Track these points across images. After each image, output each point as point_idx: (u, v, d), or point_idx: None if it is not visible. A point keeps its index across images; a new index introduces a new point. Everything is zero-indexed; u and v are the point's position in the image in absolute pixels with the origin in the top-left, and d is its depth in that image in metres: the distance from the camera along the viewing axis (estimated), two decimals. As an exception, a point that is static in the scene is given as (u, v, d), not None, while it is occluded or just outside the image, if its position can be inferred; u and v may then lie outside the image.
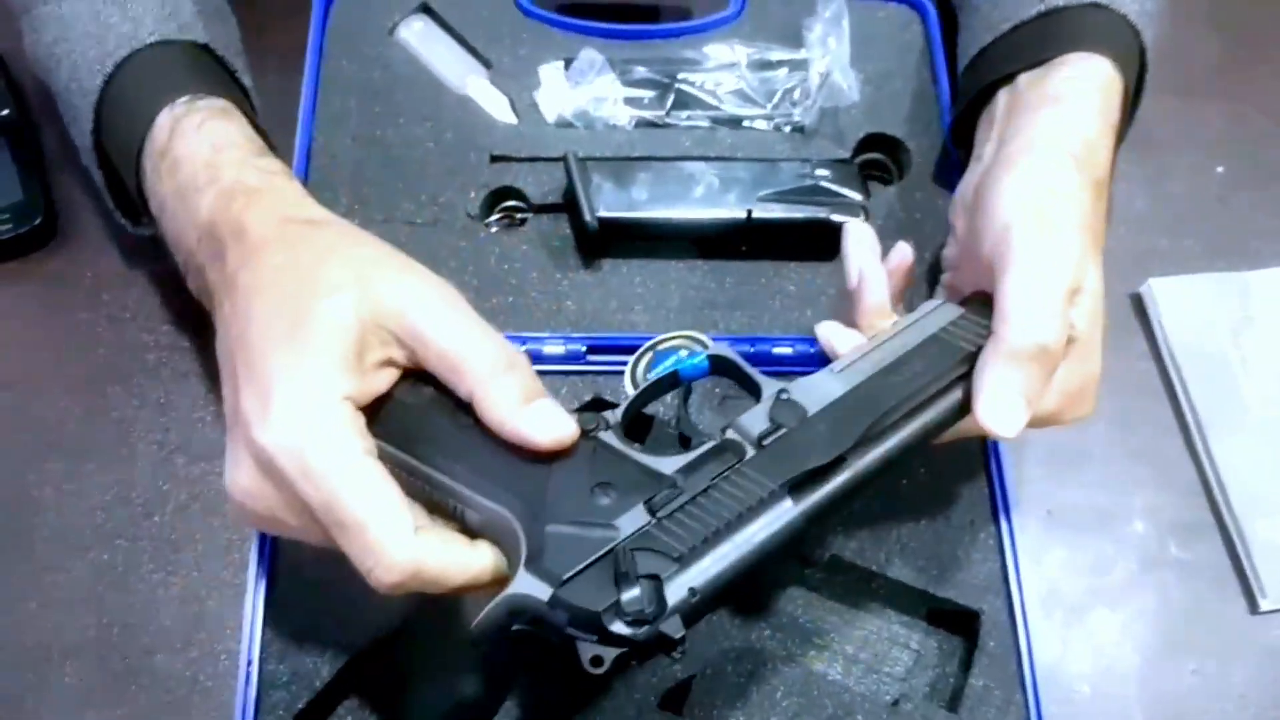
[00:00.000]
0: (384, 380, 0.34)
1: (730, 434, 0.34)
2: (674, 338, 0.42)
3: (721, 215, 0.48)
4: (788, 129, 0.52)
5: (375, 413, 0.34)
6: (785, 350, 0.47)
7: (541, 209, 0.50)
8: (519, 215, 0.51)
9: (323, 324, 0.33)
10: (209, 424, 0.47)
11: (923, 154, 0.52)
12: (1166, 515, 0.48)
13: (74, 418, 0.47)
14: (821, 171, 0.49)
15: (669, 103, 0.52)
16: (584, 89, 0.51)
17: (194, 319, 0.48)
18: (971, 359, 0.36)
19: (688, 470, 0.33)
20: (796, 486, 0.33)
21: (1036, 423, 0.38)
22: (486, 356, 0.33)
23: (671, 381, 0.38)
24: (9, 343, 0.49)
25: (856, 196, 0.48)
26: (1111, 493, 0.48)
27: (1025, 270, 0.36)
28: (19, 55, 0.48)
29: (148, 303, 0.50)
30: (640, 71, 0.52)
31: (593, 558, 0.31)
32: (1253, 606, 0.46)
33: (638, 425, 0.44)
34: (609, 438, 0.34)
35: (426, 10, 0.54)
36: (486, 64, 0.53)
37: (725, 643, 0.42)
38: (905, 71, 0.54)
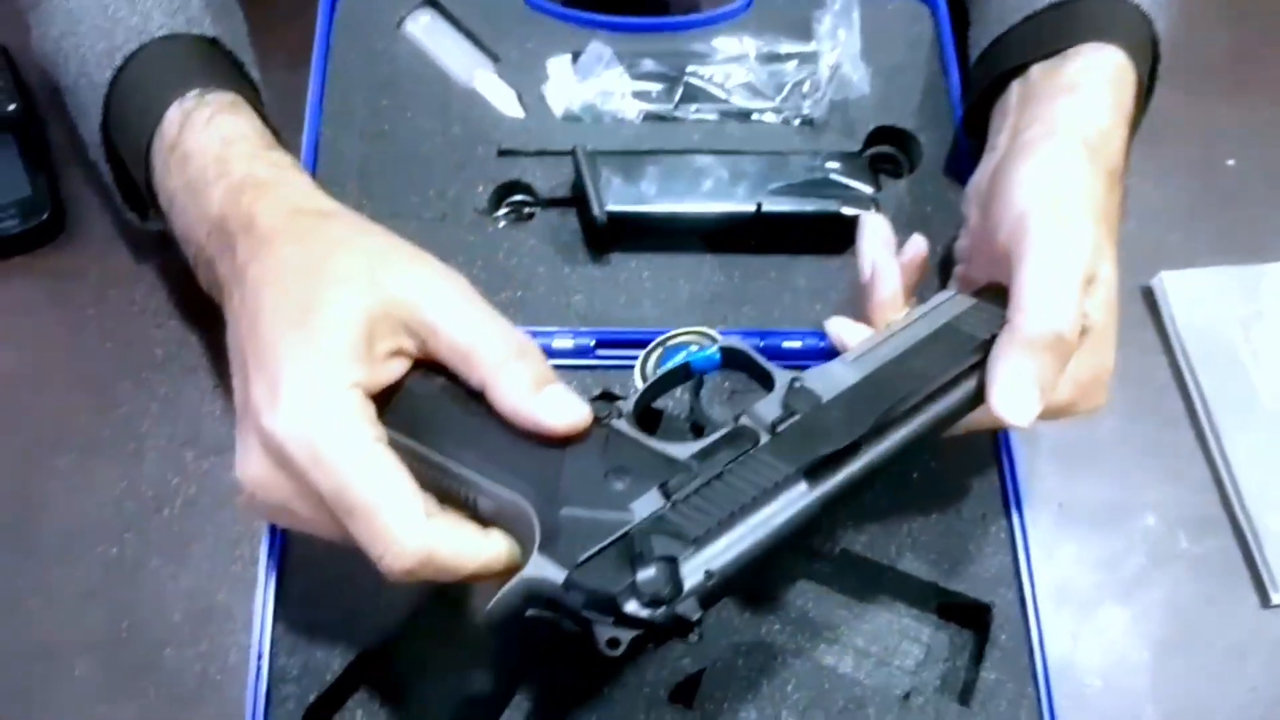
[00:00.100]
0: (394, 370, 0.34)
1: (744, 420, 0.34)
2: (683, 333, 0.42)
3: (731, 209, 0.48)
4: (797, 122, 0.51)
5: (386, 403, 0.34)
6: (795, 344, 0.47)
7: (550, 203, 0.50)
8: (527, 209, 0.51)
9: (332, 312, 0.33)
10: (218, 418, 0.47)
11: (933, 147, 0.52)
12: (1178, 509, 0.48)
13: (82, 412, 0.47)
14: (831, 164, 0.49)
15: (677, 96, 0.51)
16: (592, 82, 0.51)
17: (202, 314, 0.48)
18: (985, 347, 0.36)
19: (702, 456, 0.33)
20: (812, 471, 0.33)
21: (1050, 414, 0.38)
22: (497, 344, 0.34)
23: (683, 374, 0.38)
24: (17, 338, 0.49)
25: (867, 189, 0.48)
26: (1123, 487, 0.48)
27: (1042, 257, 0.36)
28: (26, 50, 0.48)
29: (155, 297, 0.50)
30: (648, 65, 0.52)
31: (608, 540, 0.31)
32: (1264, 600, 0.46)
33: (647, 419, 0.44)
34: (622, 425, 0.34)
35: (433, 4, 0.54)
36: (494, 58, 0.53)
37: (735, 636, 0.42)
38: (915, 64, 0.53)
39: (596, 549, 0.30)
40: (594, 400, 0.46)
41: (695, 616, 0.29)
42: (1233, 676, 0.44)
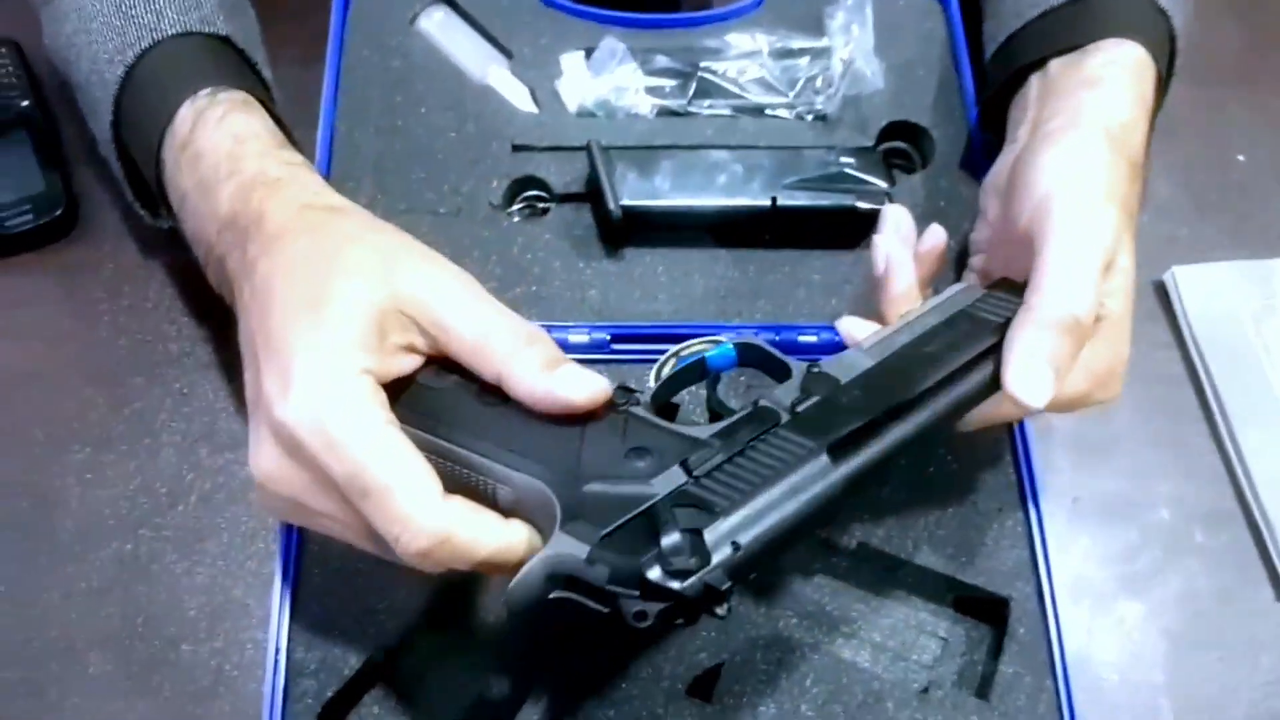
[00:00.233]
0: (404, 364, 0.34)
1: (763, 402, 0.34)
2: (698, 343, 0.42)
3: (746, 203, 0.48)
4: (810, 117, 0.52)
5: (400, 398, 0.34)
6: (810, 339, 0.47)
7: (564, 198, 0.50)
8: (541, 205, 0.51)
9: (344, 302, 0.33)
10: (232, 413, 0.47)
11: (946, 142, 0.52)
12: (1192, 503, 0.48)
13: (96, 408, 0.47)
14: (846, 159, 0.49)
15: (691, 91, 0.51)
16: (605, 78, 0.51)
17: (215, 309, 0.47)
18: (1001, 331, 0.36)
19: (723, 435, 0.33)
20: (835, 449, 0.32)
21: (1065, 405, 0.38)
22: (508, 336, 0.34)
23: (699, 371, 0.38)
24: (31, 333, 0.49)
25: (881, 184, 0.48)
26: (1137, 481, 0.48)
27: (1064, 240, 0.36)
28: (38, 46, 0.48)
29: (169, 293, 0.50)
30: (662, 60, 0.52)
31: (630, 514, 0.30)
32: (1279, 593, 0.46)
33: (664, 415, 0.44)
34: (640, 411, 0.34)
35: (446, 0, 0.54)
36: (507, 54, 0.53)
37: (753, 631, 0.42)
38: (927, 60, 0.54)
39: (619, 523, 0.30)
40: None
41: (724, 586, 0.28)
42: (1248, 669, 0.44)
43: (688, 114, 0.51)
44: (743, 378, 0.46)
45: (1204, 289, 0.52)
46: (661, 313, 0.48)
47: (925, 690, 0.42)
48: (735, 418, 0.34)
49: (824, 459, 0.32)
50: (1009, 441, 0.46)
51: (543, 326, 0.46)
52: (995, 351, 0.36)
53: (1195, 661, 0.45)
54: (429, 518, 0.31)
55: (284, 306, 0.33)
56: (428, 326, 0.34)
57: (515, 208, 0.51)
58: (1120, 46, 0.42)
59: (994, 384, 0.36)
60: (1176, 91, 0.46)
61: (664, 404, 0.38)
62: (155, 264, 0.50)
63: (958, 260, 0.48)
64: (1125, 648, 0.45)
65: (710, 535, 0.29)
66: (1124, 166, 0.38)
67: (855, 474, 0.32)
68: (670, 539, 0.29)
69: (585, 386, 0.33)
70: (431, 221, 0.49)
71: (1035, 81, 0.44)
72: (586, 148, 0.48)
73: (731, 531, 0.30)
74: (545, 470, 0.32)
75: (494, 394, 0.34)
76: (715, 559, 0.29)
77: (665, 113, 0.51)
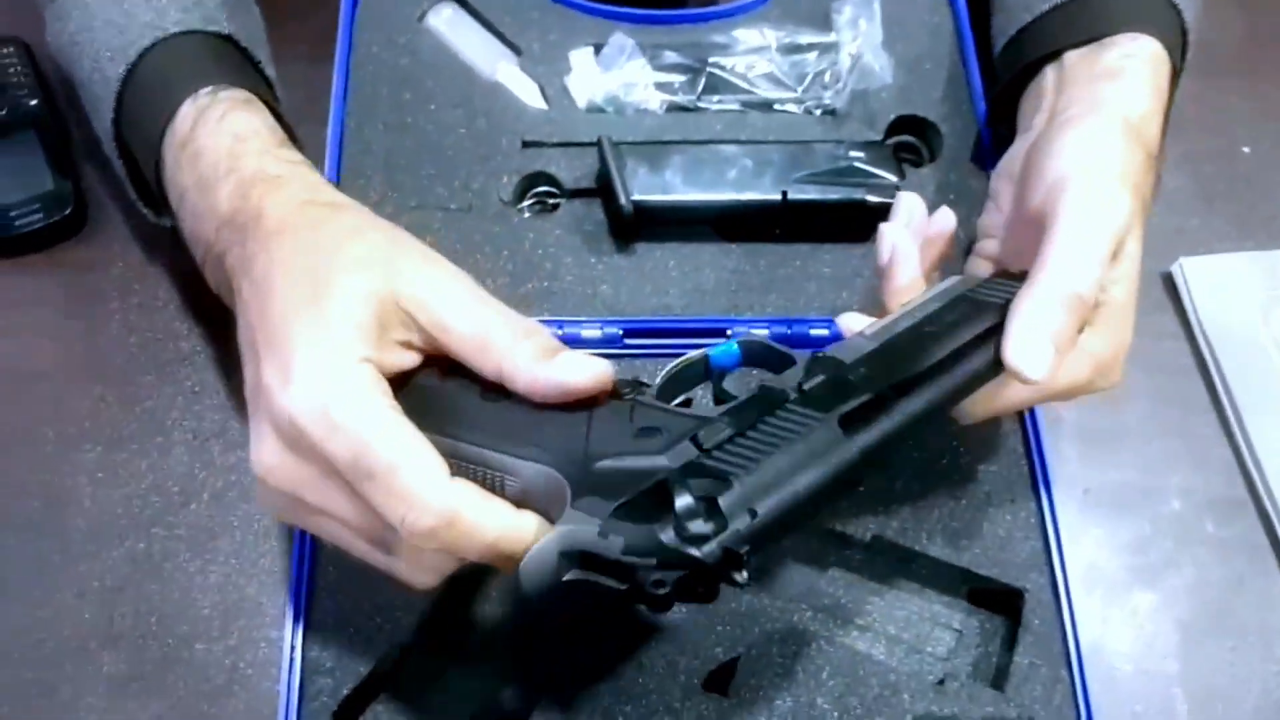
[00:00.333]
0: (404, 360, 0.34)
1: (769, 383, 0.33)
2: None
3: (756, 197, 0.48)
4: (819, 112, 0.52)
5: (400, 398, 0.33)
6: (822, 332, 0.47)
7: (574, 194, 0.50)
8: (551, 200, 0.51)
9: (344, 294, 0.33)
10: (243, 411, 0.46)
11: (954, 136, 0.52)
12: (1202, 493, 0.48)
13: (107, 407, 0.47)
14: (855, 153, 0.49)
15: (700, 87, 0.52)
16: (615, 74, 0.51)
17: (225, 307, 0.47)
18: (1002, 312, 0.36)
19: (731, 414, 0.32)
20: (845, 421, 0.32)
21: (1066, 392, 0.38)
22: (506, 330, 0.33)
23: (703, 370, 0.37)
24: (41, 332, 0.49)
25: (891, 177, 0.49)
26: (1147, 471, 0.48)
27: (1075, 219, 0.36)
28: (46, 46, 0.48)
29: (179, 291, 0.49)
30: (670, 56, 0.52)
31: (643, 487, 0.29)
32: (1291, 582, 0.46)
33: None
34: (646, 398, 0.34)
35: (455, -3, 0.54)
36: (516, 50, 0.53)
37: (768, 624, 0.42)
38: (935, 54, 0.54)
39: (632, 495, 0.29)
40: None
41: (743, 549, 0.28)
42: (1261, 658, 0.45)
43: (697, 109, 0.52)
44: (752, 373, 0.46)
45: (1211, 280, 0.52)
46: (673, 307, 0.48)
47: (941, 682, 0.42)
48: (742, 399, 0.33)
49: (836, 429, 0.31)
50: (1020, 434, 0.46)
51: (555, 322, 0.47)
52: (997, 331, 0.35)
53: (1208, 651, 0.45)
54: (436, 495, 0.30)
55: (283, 300, 0.33)
56: (427, 325, 0.33)
57: (526, 204, 0.51)
58: (1136, 40, 0.42)
59: (997, 363, 0.35)
60: (1181, 84, 0.46)
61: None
62: (165, 262, 0.50)
63: (965, 252, 0.48)
64: (1138, 638, 0.45)
65: (725, 502, 0.29)
66: (1141, 155, 0.39)
67: (868, 446, 0.32)
68: (685, 503, 0.28)
69: (586, 369, 0.33)
70: (442, 218, 0.49)
71: (1050, 72, 0.44)
72: (597, 143, 0.49)
73: (747, 498, 0.29)
74: (552, 456, 0.32)
75: (496, 391, 0.34)
76: (732, 525, 0.28)
77: (675, 108, 0.52)
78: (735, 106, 0.52)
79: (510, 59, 0.53)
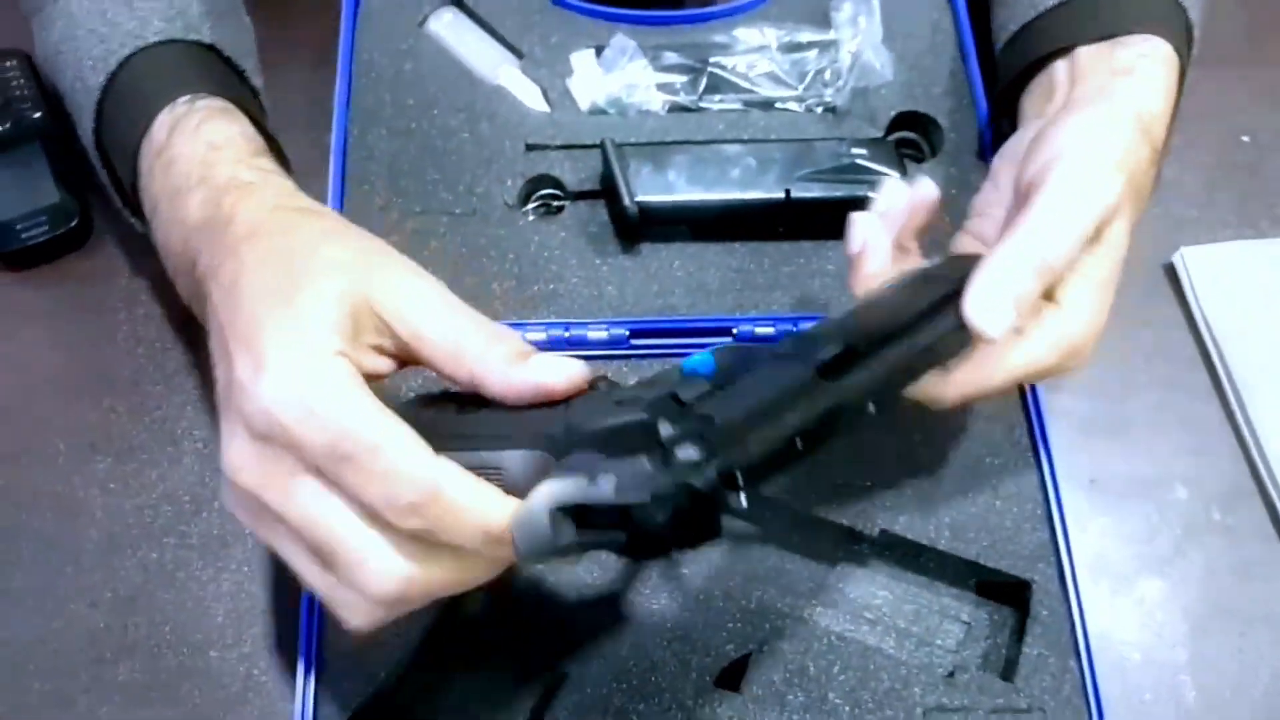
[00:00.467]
0: (376, 364, 0.33)
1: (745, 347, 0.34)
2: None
3: (759, 196, 0.48)
4: (820, 110, 0.52)
5: None
6: (827, 329, 0.47)
7: (579, 196, 0.50)
8: (556, 203, 0.51)
9: (318, 293, 0.32)
10: (253, 419, 0.47)
11: (955, 131, 0.52)
12: (1208, 481, 0.48)
13: (117, 417, 0.47)
14: (857, 150, 0.49)
15: (701, 87, 0.52)
16: (616, 75, 0.51)
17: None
18: (961, 283, 0.36)
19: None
20: (822, 370, 0.31)
21: (1037, 373, 0.38)
22: (479, 335, 0.33)
23: (677, 379, 0.37)
24: (49, 344, 0.49)
25: (893, 174, 0.49)
26: (1152, 461, 0.49)
27: (1059, 190, 0.36)
28: (45, 58, 0.48)
29: (186, 301, 0.50)
30: (671, 57, 0.52)
31: (628, 430, 0.29)
32: (1298, 569, 0.47)
33: None
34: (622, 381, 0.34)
35: (456, 2, 0.54)
36: (517, 54, 0.53)
37: (778, 621, 0.42)
38: (935, 49, 0.54)
39: (617, 441, 0.28)
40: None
41: (735, 470, 0.27)
42: (1270, 645, 0.45)
43: (699, 109, 0.52)
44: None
45: (1213, 269, 0.52)
46: (678, 307, 0.48)
47: (951, 674, 0.42)
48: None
49: (814, 375, 0.31)
50: (1025, 426, 0.47)
51: (561, 324, 0.47)
52: (958, 298, 0.35)
53: (1216, 638, 0.45)
54: (419, 468, 0.29)
55: (254, 301, 0.32)
56: (400, 331, 0.33)
57: (530, 207, 0.51)
58: (1149, 41, 0.42)
59: (963, 327, 0.35)
60: (1180, 74, 0.46)
61: None
62: (171, 272, 0.50)
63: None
64: (1147, 627, 0.45)
65: (711, 432, 0.28)
66: (1146, 150, 0.39)
67: (847, 389, 0.31)
68: (671, 433, 0.28)
69: (560, 370, 0.32)
70: (447, 222, 0.49)
71: (1063, 66, 0.44)
72: (600, 145, 0.49)
73: (732, 430, 0.28)
74: (535, 439, 0.31)
75: (472, 403, 0.33)
76: (721, 452, 0.28)
77: (677, 108, 0.52)
78: (737, 106, 0.52)
79: (512, 62, 0.53)
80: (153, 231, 0.41)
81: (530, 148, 0.50)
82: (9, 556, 0.44)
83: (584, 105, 0.52)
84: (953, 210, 0.48)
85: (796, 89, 0.52)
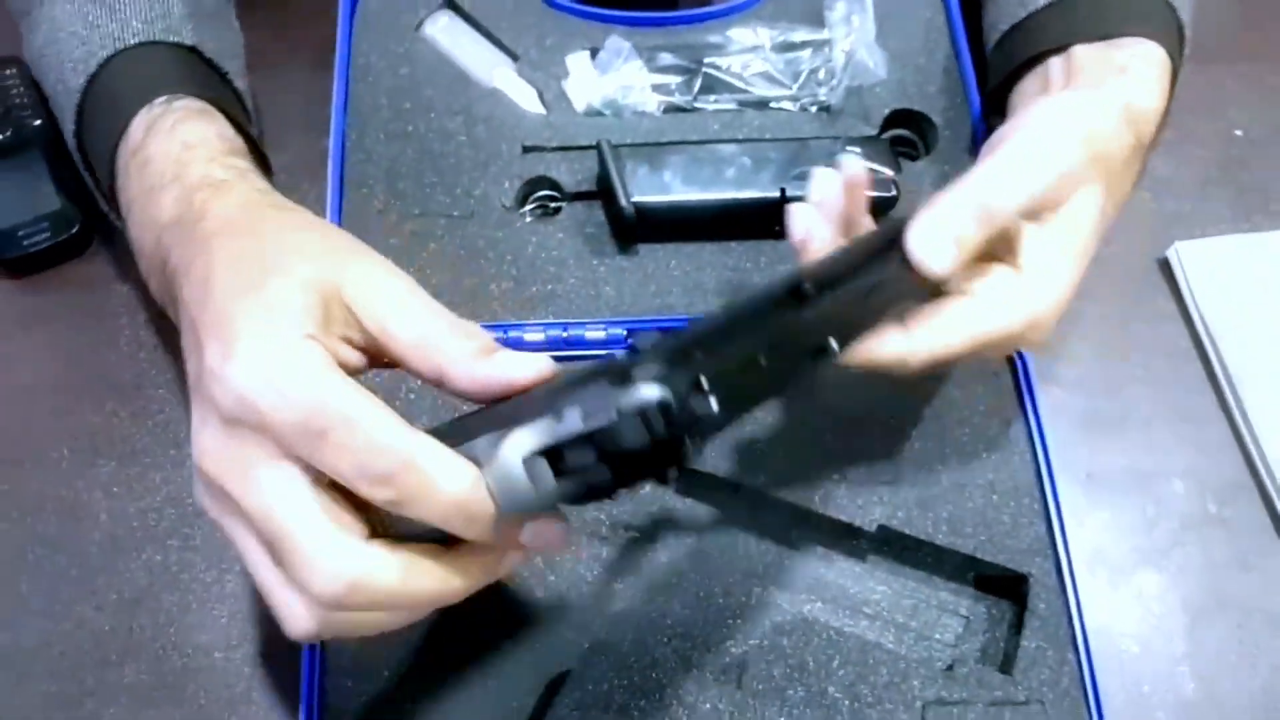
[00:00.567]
0: (347, 355, 0.33)
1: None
2: None
3: (755, 195, 0.48)
4: (814, 109, 0.52)
5: None
6: (823, 326, 0.48)
7: (575, 197, 0.50)
8: (553, 204, 0.51)
9: (288, 281, 0.32)
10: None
11: (949, 129, 0.52)
12: (1205, 474, 0.49)
13: (120, 422, 0.48)
14: (852, 149, 0.49)
15: (696, 87, 0.52)
16: (612, 77, 0.52)
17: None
18: (898, 233, 0.37)
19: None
20: (780, 303, 0.32)
21: (999, 342, 0.38)
22: (446, 332, 0.33)
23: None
24: (53, 349, 0.49)
25: (888, 172, 0.49)
26: (1149, 454, 0.49)
27: (1013, 148, 0.37)
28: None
29: (187, 305, 0.50)
30: (666, 58, 0.52)
31: (581, 373, 0.29)
32: (1294, 561, 0.47)
33: None
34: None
35: (451, 5, 0.55)
36: (513, 56, 0.54)
37: (778, 616, 0.43)
38: (928, 48, 0.54)
39: (573, 384, 0.29)
40: None
41: (706, 388, 0.27)
42: (1268, 636, 0.45)
43: (694, 110, 0.52)
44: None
45: (1207, 264, 0.52)
46: (676, 306, 0.48)
47: (950, 667, 0.42)
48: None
49: (769, 305, 0.31)
50: (1022, 420, 0.47)
51: (559, 325, 0.47)
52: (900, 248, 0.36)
53: (1214, 630, 0.45)
54: (393, 438, 0.29)
55: (224, 291, 0.32)
56: (368, 325, 0.33)
57: (528, 208, 0.51)
58: (1143, 44, 0.43)
59: (910, 269, 0.36)
60: (1173, 71, 0.47)
61: None
62: (172, 277, 0.51)
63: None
64: (1145, 619, 0.45)
65: (671, 350, 0.28)
66: (1129, 139, 0.39)
67: (806, 321, 0.32)
68: (629, 359, 0.28)
69: (526, 365, 0.32)
70: (445, 225, 0.50)
71: (1057, 63, 0.44)
72: (596, 146, 0.49)
73: (687, 350, 0.28)
74: (502, 422, 0.30)
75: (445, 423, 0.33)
76: (684, 366, 0.27)
77: (672, 109, 0.52)
78: (732, 106, 0.52)
79: (508, 65, 0.54)
80: (128, 231, 0.40)
81: (527, 150, 0.51)
82: (14, 561, 0.45)
83: (580, 107, 0.52)
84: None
85: (791, 88, 0.52)
